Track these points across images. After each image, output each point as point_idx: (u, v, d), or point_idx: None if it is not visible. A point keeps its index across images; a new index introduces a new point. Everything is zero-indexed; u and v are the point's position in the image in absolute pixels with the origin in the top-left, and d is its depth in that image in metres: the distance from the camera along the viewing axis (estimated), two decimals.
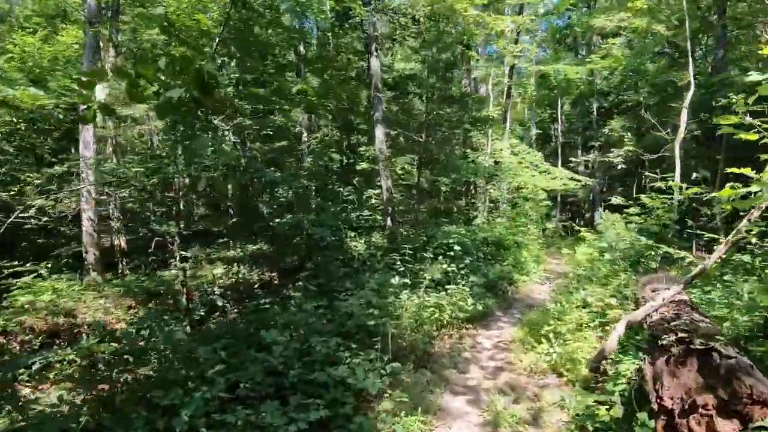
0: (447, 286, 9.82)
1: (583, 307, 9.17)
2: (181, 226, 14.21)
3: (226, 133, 10.63)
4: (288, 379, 5.89)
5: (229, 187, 16.09)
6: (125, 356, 6.86)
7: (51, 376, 7.28)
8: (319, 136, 20.49)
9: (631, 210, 10.95)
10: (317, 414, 5.16)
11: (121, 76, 3.03)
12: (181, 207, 17.48)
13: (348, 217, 17.78)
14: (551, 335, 8.00)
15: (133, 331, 8.44)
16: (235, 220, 14.20)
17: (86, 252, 14.47)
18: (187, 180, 14.56)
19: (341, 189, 18.60)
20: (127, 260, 18.86)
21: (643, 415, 4.41)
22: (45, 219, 13.64)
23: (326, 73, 19.81)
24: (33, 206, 12.29)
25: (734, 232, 5.67)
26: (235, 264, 18.83)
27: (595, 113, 30.63)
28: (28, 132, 17.02)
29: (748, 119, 4.53)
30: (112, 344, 7.27)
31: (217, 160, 9.24)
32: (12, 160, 16.39)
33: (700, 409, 3.61)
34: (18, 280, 10.83)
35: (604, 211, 14.39)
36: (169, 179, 11.46)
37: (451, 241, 11.00)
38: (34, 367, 6.71)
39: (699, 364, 3.98)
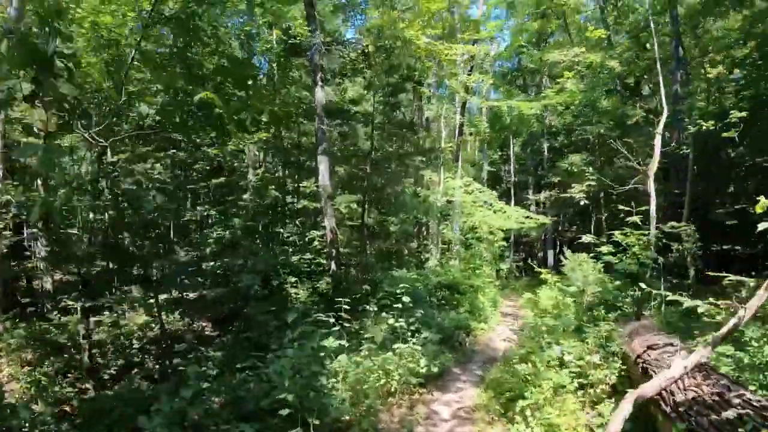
0: (395, 346, 7.85)
1: (560, 366, 7.40)
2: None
3: (84, 147, 8.45)
4: None
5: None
6: None
7: None
8: (260, 172, 18.50)
9: (604, 249, 9.43)
10: None
11: None
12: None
13: (288, 260, 15.69)
14: (527, 410, 6.13)
15: None
16: (99, 264, 11.72)
17: None
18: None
19: (281, 230, 16.55)
20: (52, 304, 16.03)
21: None
22: None
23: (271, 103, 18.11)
24: None
25: None
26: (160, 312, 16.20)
27: (546, 152, 30.13)
28: None
29: None
30: None
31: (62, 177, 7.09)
32: None
33: None
34: None
35: (565, 250, 12.84)
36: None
37: (398, 291, 9.06)
38: None
39: None
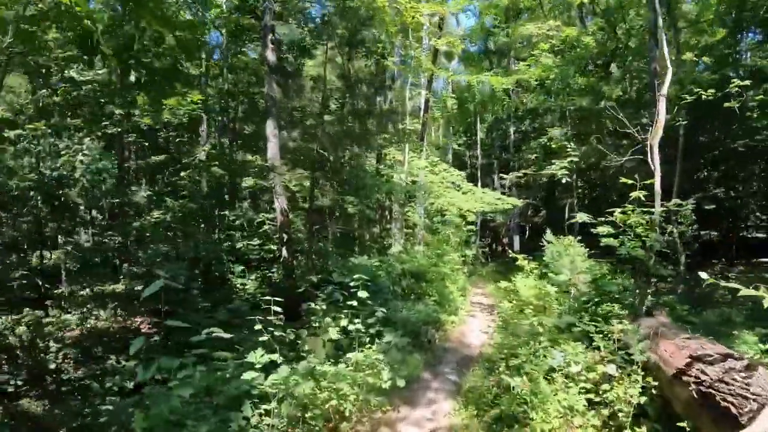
0: (349, 355, 5.89)
1: (564, 378, 5.62)
2: None
3: None
4: None
5: None
6: None
7: None
8: (206, 148, 16.12)
9: (601, 229, 7.69)
10: None
11: None
12: None
13: (234, 247, 13.51)
14: None
15: None
16: None
17: None
18: None
19: (226, 212, 14.32)
20: None
21: None
22: None
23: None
24: None
25: None
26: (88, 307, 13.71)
27: (512, 136, 28.69)
28: None
29: None
30: None
31: None
32: None
33: None
34: None
35: (548, 233, 11.10)
36: None
37: (353, 283, 6.90)
38: None
39: None
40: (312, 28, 16.38)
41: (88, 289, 13.45)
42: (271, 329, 4.77)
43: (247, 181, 13.24)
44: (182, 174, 14.09)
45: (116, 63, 7.98)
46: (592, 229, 8.04)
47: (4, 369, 10.74)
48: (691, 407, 4.10)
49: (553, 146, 15.21)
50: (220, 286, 13.40)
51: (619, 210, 7.59)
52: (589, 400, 5.36)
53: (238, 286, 13.12)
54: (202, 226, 15.60)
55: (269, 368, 4.69)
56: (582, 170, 15.34)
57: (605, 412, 5.21)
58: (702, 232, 14.92)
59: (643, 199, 7.71)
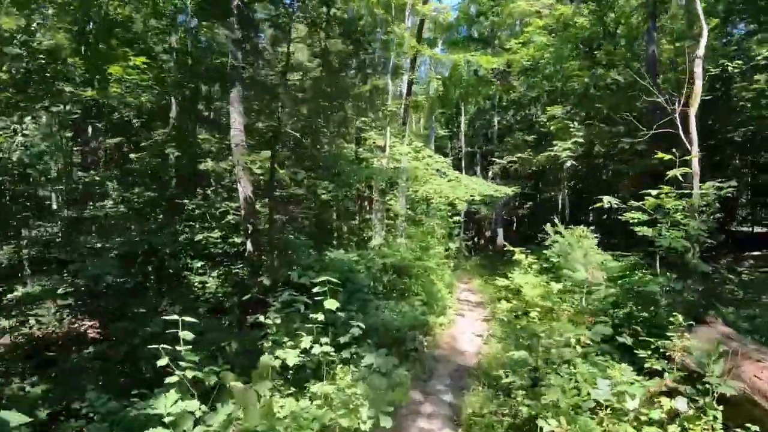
0: (314, 389, 4.19)
1: (611, 412, 4.00)
2: None
3: None
4: None
5: None
6: None
7: None
8: (163, 131, 14.13)
9: (630, 216, 6.14)
10: None
11: None
12: None
13: (192, 239, 11.63)
14: None
15: None
16: None
17: None
18: None
19: (185, 200, 12.39)
20: None
21: None
22: None
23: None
24: None
25: None
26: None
27: (496, 127, 27.26)
28: None
29: None
30: None
31: None
32: None
33: None
34: None
35: (556, 222, 9.47)
36: None
37: (318, 289, 4.91)
38: None
39: None
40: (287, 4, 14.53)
41: (23, 289, 11.46)
42: (191, 361, 3.02)
43: (207, 165, 11.33)
44: (132, 156, 12.10)
45: None
46: (619, 216, 6.46)
47: None
48: None
49: (552, 128, 13.64)
50: (176, 285, 11.54)
51: (655, 192, 6.02)
52: None
53: (196, 284, 11.27)
54: (160, 216, 13.68)
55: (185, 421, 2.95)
56: (581, 156, 13.76)
57: None
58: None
59: (680, 179, 6.20)
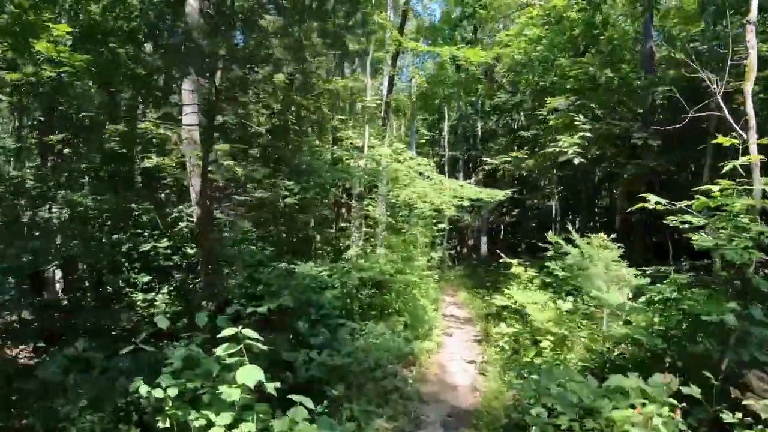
0: None
1: None
2: None
3: None
4: None
5: None
6: None
7: None
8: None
9: (678, 219, 4.60)
10: None
11: None
12: None
13: (137, 250, 9.78)
14: None
15: None
16: None
17: None
18: None
19: (134, 204, 10.52)
20: None
21: None
22: None
23: None
24: None
25: None
26: None
27: (479, 132, 25.90)
28: None
29: None
30: None
31: None
32: None
33: None
34: None
35: (568, 227, 7.81)
36: None
37: (222, 350, 2.85)
38: None
39: None
40: None
41: None
42: None
43: (152, 160, 9.48)
44: (65, 150, 10.19)
45: None
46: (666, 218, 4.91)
47: None
48: None
49: (552, 123, 12.08)
50: (118, 304, 9.65)
51: (716, 188, 4.48)
52: None
53: (139, 303, 9.40)
54: (108, 222, 11.74)
55: None
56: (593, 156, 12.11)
57: None
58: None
59: (740, 169, 4.69)
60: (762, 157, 4.59)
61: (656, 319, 4.75)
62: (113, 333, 9.17)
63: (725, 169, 4.68)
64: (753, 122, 5.01)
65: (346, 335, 6.52)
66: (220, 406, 2.84)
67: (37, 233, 10.23)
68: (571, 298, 7.70)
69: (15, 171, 13.36)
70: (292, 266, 8.77)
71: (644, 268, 6.16)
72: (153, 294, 9.91)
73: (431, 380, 7.32)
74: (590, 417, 3.51)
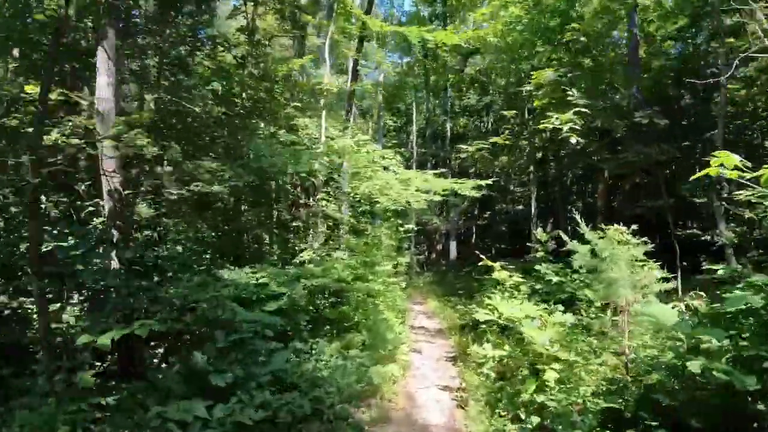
0: None
1: None
2: None
3: None
4: None
5: None
6: None
7: None
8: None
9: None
10: None
11: None
12: None
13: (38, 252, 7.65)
14: None
15: None
16: None
17: None
18: None
19: (42, 197, 8.38)
20: None
21: None
22: None
23: None
24: None
25: None
26: None
27: (448, 133, 24.39)
28: None
29: None
30: None
31: None
32: None
33: None
34: None
35: (576, 217, 6.06)
36: None
37: None
38: None
39: None
40: None
41: None
42: None
43: (52, 136, 7.42)
44: None
45: None
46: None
47: None
48: None
49: (538, 103, 10.41)
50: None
51: None
52: None
53: (34, 318, 7.31)
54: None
55: None
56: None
57: None
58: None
59: None
60: None
61: (725, 342, 3.15)
62: None
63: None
64: None
65: (279, 364, 4.70)
66: None
67: None
68: (561, 308, 6.09)
69: None
70: (223, 272, 6.90)
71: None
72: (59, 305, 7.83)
73: (396, 419, 5.53)
74: None
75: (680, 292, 8.07)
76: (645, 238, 4.74)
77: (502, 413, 4.69)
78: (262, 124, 9.00)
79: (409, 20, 25.30)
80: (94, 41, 7.99)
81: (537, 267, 7.34)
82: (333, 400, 4.75)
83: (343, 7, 12.04)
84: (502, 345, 5.67)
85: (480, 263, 7.89)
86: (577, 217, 5.18)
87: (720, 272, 4.86)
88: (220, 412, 3.65)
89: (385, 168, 12.03)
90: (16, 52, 9.39)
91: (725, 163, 2.80)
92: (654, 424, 3.25)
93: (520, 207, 26.74)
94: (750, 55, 4.52)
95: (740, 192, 3.64)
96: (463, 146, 11.18)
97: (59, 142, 7.26)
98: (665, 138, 9.36)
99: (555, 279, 6.55)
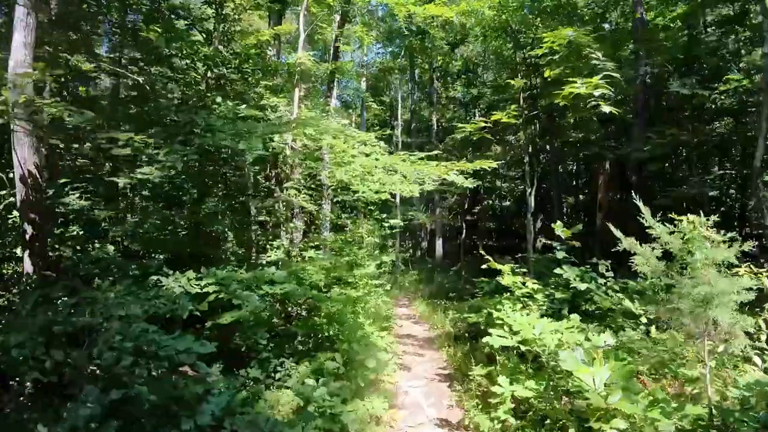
0: None
1: None
2: None
3: None
4: None
5: None
6: None
7: None
8: None
9: None
10: None
11: None
12: None
13: None
14: None
15: None
16: None
17: None
18: None
19: None
20: None
21: None
22: None
23: None
24: None
25: None
26: None
27: (435, 125, 22.89)
28: None
29: None
30: None
31: None
32: None
33: None
34: None
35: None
36: None
37: None
38: None
39: None
40: None
41: None
42: None
43: None
44: None
45: None
46: None
47: None
48: None
49: (550, 73, 8.69)
50: None
51: None
52: None
53: None
54: None
55: None
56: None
57: None
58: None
59: None
60: None
61: None
62: None
63: None
64: None
65: (206, 419, 3.10)
66: None
67: None
68: (598, 327, 4.56)
69: None
70: (158, 278, 5.25)
71: None
72: None
73: None
74: None
75: None
76: (732, 233, 3.24)
77: None
78: (219, 98, 7.37)
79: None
80: None
81: (557, 270, 5.82)
82: None
83: None
84: (522, 376, 4.12)
85: (483, 266, 6.33)
86: (645, 207, 3.58)
87: None
88: None
89: (367, 155, 10.40)
90: None
91: None
92: None
93: (507, 203, 25.48)
94: None
95: None
96: (460, 124, 9.62)
97: None
98: (696, 118, 7.95)
99: (582, 286, 5.07)
